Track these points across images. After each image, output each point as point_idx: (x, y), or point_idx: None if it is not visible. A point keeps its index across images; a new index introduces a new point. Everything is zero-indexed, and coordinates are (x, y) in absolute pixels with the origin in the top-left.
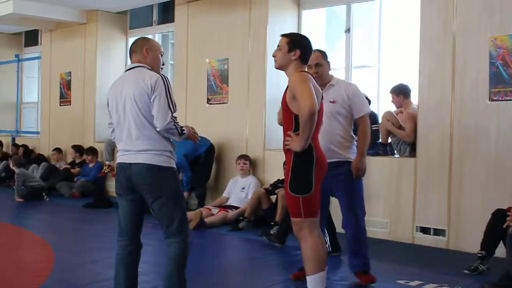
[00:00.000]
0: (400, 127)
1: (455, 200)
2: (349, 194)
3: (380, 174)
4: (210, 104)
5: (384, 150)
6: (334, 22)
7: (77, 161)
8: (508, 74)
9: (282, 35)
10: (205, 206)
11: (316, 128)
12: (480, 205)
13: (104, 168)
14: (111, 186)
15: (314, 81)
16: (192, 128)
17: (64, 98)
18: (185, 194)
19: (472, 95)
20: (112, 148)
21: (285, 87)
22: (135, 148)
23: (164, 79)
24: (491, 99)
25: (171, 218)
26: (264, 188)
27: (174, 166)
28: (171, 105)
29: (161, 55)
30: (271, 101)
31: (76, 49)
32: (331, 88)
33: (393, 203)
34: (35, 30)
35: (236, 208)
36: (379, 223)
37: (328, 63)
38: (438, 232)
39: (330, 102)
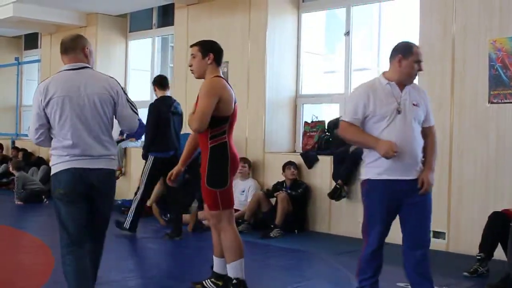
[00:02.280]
0: None
1: (454, 203)
2: (426, 213)
3: None
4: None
5: None
6: (333, 25)
7: None
8: (507, 76)
9: (192, 45)
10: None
11: (230, 130)
12: (480, 208)
13: None
14: None
15: (228, 85)
16: None
17: None
18: None
19: (471, 98)
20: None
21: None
22: (96, 153)
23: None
24: (490, 102)
25: (106, 223)
26: (264, 191)
27: (116, 168)
28: (134, 108)
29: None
30: (270, 104)
31: None
32: (414, 89)
33: None
34: (35, 33)
35: (236, 211)
36: None
37: None
38: (437, 234)
39: (413, 105)
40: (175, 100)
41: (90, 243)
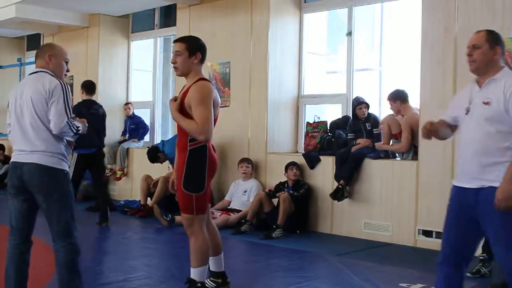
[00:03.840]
0: (400, 132)
1: None
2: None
3: (382, 178)
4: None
5: (386, 153)
6: (335, 26)
7: None
8: None
9: (177, 40)
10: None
11: None
12: None
13: (106, 172)
14: (114, 189)
15: (215, 89)
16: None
17: None
18: None
19: None
20: (114, 152)
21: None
22: (28, 149)
23: (63, 85)
24: None
25: (58, 219)
26: (266, 191)
27: (65, 168)
28: (68, 111)
29: (66, 62)
30: (273, 104)
31: (78, 53)
32: (492, 84)
33: (395, 206)
34: (37, 34)
35: (238, 211)
36: (382, 226)
37: (498, 47)
38: (440, 235)
39: (484, 103)
40: (97, 104)
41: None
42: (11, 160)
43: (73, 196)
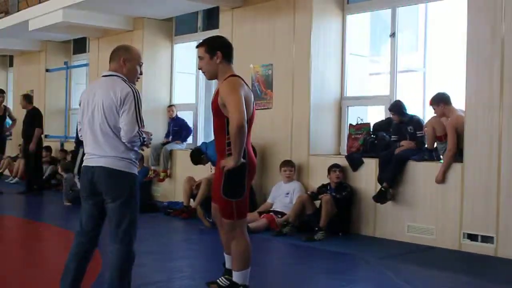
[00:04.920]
0: (445, 134)
1: (503, 206)
2: None
3: (426, 180)
4: (255, 109)
5: (430, 155)
6: (379, 27)
7: None
8: None
9: (197, 46)
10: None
11: (248, 134)
12: None
13: (150, 173)
14: (157, 190)
15: (245, 84)
16: (150, 134)
17: None
18: None
19: None
20: (157, 153)
21: (216, 91)
22: (98, 153)
23: (135, 93)
24: None
25: (119, 222)
26: (308, 193)
27: (134, 171)
28: (139, 120)
29: (140, 65)
30: (315, 106)
31: None
32: None
33: (440, 209)
34: (83, 37)
35: (281, 213)
36: (426, 229)
37: None
38: (486, 239)
39: None
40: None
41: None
42: (83, 164)
43: (138, 202)
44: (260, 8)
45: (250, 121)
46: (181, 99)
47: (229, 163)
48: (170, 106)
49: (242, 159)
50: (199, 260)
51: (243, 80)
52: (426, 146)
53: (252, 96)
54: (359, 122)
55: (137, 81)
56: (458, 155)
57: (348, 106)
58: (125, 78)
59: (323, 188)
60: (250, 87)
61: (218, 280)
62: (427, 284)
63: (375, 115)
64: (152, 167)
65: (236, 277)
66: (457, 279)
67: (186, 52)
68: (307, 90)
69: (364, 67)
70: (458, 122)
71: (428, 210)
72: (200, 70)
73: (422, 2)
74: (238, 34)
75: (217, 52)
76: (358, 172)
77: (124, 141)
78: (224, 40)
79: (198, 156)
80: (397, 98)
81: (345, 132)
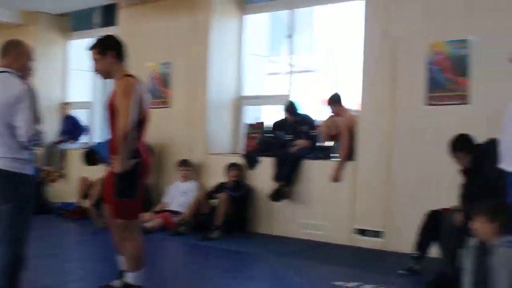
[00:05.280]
0: (338, 133)
1: (392, 202)
2: None
3: (320, 178)
4: (152, 108)
5: (324, 154)
6: (277, 27)
7: None
8: (444, 79)
9: (90, 49)
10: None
11: (141, 135)
12: (416, 207)
13: (41, 173)
14: (50, 191)
15: (140, 85)
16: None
17: None
18: None
19: (410, 100)
20: (50, 153)
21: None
22: None
23: (30, 90)
24: (428, 104)
25: (11, 224)
26: (205, 193)
27: (29, 172)
28: (35, 117)
29: (31, 61)
30: (213, 105)
31: None
32: None
33: (333, 206)
34: None
35: (177, 212)
36: (320, 226)
37: None
38: (375, 234)
39: None
40: None
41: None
42: None
43: (32, 204)
44: (159, 6)
45: (143, 121)
46: (78, 97)
47: (116, 167)
48: (65, 103)
49: (133, 160)
50: (92, 262)
51: (138, 79)
52: (320, 145)
53: (147, 95)
54: (255, 122)
55: (29, 77)
56: (350, 154)
57: (245, 106)
58: (18, 74)
59: (220, 187)
60: (148, 86)
61: (111, 283)
62: (322, 278)
63: (274, 114)
64: (44, 167)
65: (130, 278)
66: (349, 272)
67: (83, 49)
68: (205, 89)
69: (263, 67)
70: (351, 122)
71: (322, 208)
72: (96, 72)
73: (319, 5)
74: (137, 31)
75: (108, 52)
76: (255, 170)
77: (22, 140)
78: (115, 39)
79: (91, 156)
80: (294, 98)
81: (243, 131)
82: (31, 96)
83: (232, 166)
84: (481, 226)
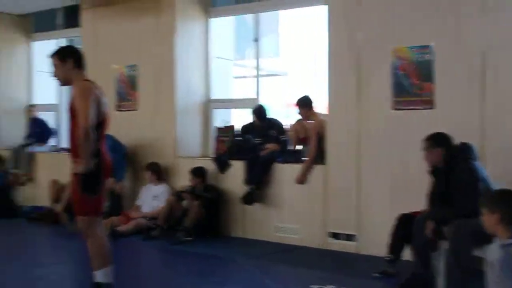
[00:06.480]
0: (307, 137)
1: (363, 206)
2: None
3: (291, 181)
4: (120, 111)
5: (294, 157)
6: (243, 31)
7: None
8: (409, 84)
9: (50, 56)
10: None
11: (101, 136)
12: (388, 210)
13: (9, 177)
14: (18, 195)
15: (97, 89)
16: None
17: None
18: None
19: (377, 105)
20: (17, 156)
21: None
22: None
23: None
24: (394, 108)
25: None
26: (175, 195)
27: None
28: None
29: None
30: (181, 108)
31: None
32: None
33: (305, 209)
34: None
35: (149, 216)
36: (292, 229)
37: None
38: (348, 237)
39: None
40: None
41: None
42: None
43: None
44: (123, 8)
45: (103, 123)
46: (44, 99)
47: (78, 168)
48: (31, 106)
49: (95, 159)
50: (65, 266)
51: (95, 83)
52: (290, 148)
53: (105, 99)
54: (224, 125)
55: None
56: (320, 157)
57: (213, 109)
58: None
59: (190, 189)
60: (115, 89)
61: None
62: (295, 281)
63: (241, 117)
64: (12, 171)
65: (97, 276)
66: (322, 275)
67: (47, 51)
68: (172, 91)
69: (229, 70)
70: (320, 125)
71: (294, 211)
72: (55, 78)
73: (283, 9)
74: (101, 33)
75: (67, 59)
76: (226, 174)
77: None
78: (74, 49)
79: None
80: (262, 101)
81: (212, 134)
82: None
83: (193, 173)
84: (485, 219)
